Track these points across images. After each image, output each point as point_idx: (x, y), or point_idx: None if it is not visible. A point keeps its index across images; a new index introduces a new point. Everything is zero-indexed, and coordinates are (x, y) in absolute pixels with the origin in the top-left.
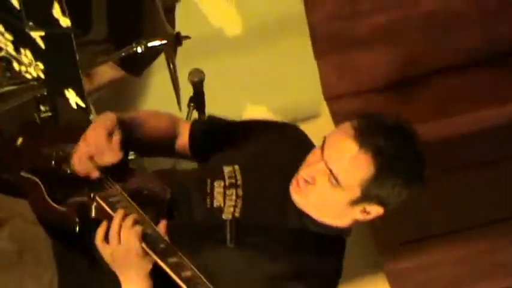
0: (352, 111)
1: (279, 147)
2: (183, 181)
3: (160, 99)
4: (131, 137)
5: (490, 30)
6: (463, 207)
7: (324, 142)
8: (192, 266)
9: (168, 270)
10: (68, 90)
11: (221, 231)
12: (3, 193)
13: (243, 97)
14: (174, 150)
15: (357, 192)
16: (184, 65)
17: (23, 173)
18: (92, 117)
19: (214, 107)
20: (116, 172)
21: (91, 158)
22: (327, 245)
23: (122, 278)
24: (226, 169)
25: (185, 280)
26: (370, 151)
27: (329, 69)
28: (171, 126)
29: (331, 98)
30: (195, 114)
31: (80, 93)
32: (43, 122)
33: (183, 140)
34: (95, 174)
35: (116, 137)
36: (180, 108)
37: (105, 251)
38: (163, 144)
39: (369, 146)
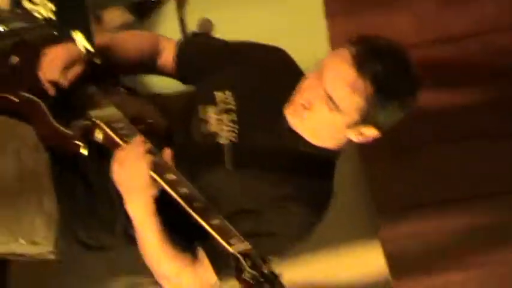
0: None
1: (268, 70)
2: (177, 107)
3: None
4: (109, 61)
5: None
6: (465, 177)
7: (321, 68)
8: (200, 194)
9: (177, 197)
10: (76, 33)
11: (219, 155)
12: (2, 114)
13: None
14: (155, 68)
15: (355, 116)
16: (193, 14)
17: (23, 93)
18: (97, 61)
19: None
20: (116, 97)
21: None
22: (320, 166)
23: (127, 199)
24: (218, 94)
25: (196, 209)
26: (368, 77)
27: (338, 29)
28: (151, 45)
29: None
30: None
31: (88, 37)
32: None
33: (166, 58)
34: (51, 92)
35: (74, 69)
36: None
37: (117, 171)
38: (144, 63)
39: (367, 71)
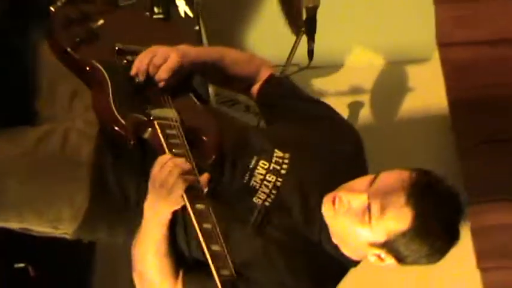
0: (462, 61)
1: (335, 151)
2: (235, 144)
3: (273, 19)
4: (207, 73)
5: None
6: None
7: (376, 176)
8: (218, 228)
9: (195, 223)
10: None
11: (246, 213)
12: (71, 70)
13: (354, 30)
14: (246, 92)
15: (381, 238)
16: None
17: (94, 61)
18: (196, 28)
19: (324, 36)
20: (182, 102)
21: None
22: (333, 270)
23: (149, 201)
24: (277, 153)
25: (206, 234)
26: (414, 211)
27: (446, 15)
28: (255, 72)
29: (443, 44)
30: (304, 40)
31: (189, 2)
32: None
33: (256, 87)
34: (141, 78)
35: (176, 77)
36: (293, 31)
37: (155, 174)
38: (239, 86)
39: (417, 206)
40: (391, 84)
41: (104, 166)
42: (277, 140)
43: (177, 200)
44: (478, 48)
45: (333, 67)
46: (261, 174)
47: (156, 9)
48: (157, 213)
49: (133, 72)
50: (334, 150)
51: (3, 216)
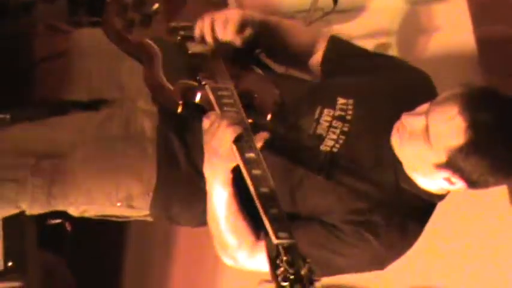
0: None
1: (403, 91)
2: (295, 100)
3: None
4: (266, 40)
5: None
6: None
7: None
8: (272, 183)
9: (247, 176)
10: None
11: (315, 160)
12: (127, 53)
13: None
14: (306, 66)
15: (442, 157)
16: None
17: (147, 39)
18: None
19: None
20: (234, 66)
21: (212, 29)
22: (415, 207)
23: (206, 162)
24: (341, 100)
25: (261, 193)
26: (467, 121)
27: None
28: (310, 43)
29: None
30: None
31: None
32: None
33: (317, 58)
34: (209, 40)
35: (248, 31)
36: None
37: (206, 131)
38: (297, 58)
39: (468, 115)
40: (417, 24)
41: (168, 139)
42: (339, 89)
43: (228, 152)
44: None
45: (357, 11)
46: (327, 121)
47: None
48: (215, 172)
49: (196, 33)
50: (398, 87)
51: (72, 197)
